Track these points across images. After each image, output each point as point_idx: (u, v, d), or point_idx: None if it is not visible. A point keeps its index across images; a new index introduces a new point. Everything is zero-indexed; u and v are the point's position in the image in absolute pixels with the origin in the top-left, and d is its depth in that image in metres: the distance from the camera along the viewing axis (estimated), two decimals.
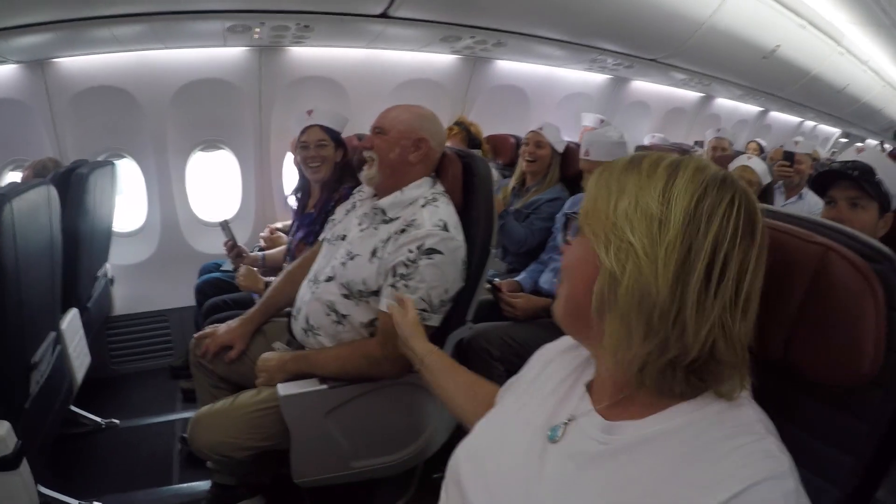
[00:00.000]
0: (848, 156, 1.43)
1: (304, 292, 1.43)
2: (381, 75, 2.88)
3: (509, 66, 3.26)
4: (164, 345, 2.73)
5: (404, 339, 1.06)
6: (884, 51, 3.81)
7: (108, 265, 2.44)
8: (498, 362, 1.67)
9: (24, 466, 1.26)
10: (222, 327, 1.53)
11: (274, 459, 1.38)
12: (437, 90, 3.08)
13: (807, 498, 0.48)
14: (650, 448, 0.52)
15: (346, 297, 1.32)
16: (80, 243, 1.85)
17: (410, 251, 1.23)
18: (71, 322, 1.79)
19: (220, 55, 2.48)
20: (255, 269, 1.94)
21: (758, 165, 2.28)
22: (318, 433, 1.32)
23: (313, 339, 1.37)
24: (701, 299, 0.49)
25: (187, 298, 2.41)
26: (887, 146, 6.78)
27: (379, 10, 2.10)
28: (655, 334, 0.50)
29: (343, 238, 1.41)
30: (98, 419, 2.14)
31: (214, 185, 2.92)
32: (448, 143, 1.69)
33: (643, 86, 4.04)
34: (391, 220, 1.32)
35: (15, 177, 2.43)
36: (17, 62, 2.19)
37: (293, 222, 2.08)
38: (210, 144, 2.77)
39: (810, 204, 2.57)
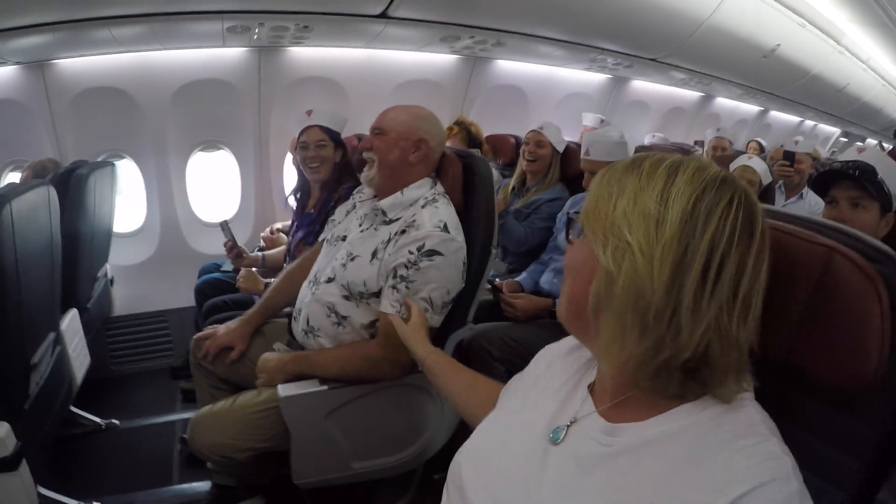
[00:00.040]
0: (849, 156, 1.42)
1: (305, 293, 1.43)
2: (380, 76, 2.87)
3: (509, 66, 3.26)
4: (163, 345, 2.72)
5: (405, 343, 1.08)
6: (884, 49, 3.81)
7: (107, 266, 2.43)
8: (498, 363, 1.67)
9: (24, 467, 1.26)
10: (221, 328, 1.53)
11: (274, 460, 1.38)
12: (436, 90, 3.08)
13: (810, 500, 0.47)
14: (652, 450, 0.52)
15: (346, 298, 1.32)
16: (80, 244, 1.85)
17: (411, 252, 1.23)
18: (71, 323, 1.79)
19: (220, 56, 2.48)
20: (254, 270, 1.93)
21: (758, 165, 2.28)
22: (319, 434, 1.32)
23: (313, 341, 1.37)
24: (697, 300, 0.49)
25: (187, 299, 2.41)
26: (886, 146, 6.78)
27: (378, 11, 2.10)
28: (650, 334, 0.50)
29: (343, 239, 1.41)
30: (98, 420, 2.14)
31: (214, 186, 2.92)
32: (448, 143, 1.69)
33: (643, 85, 4.03)
34: (391, 221, 1.32)
35: (14, 178, 2.43)
36: (17, 63, 2.18)
37: (292, 223, 2.08)
38: (210, 145, 2.76)
39: (811, 204, 2.57)
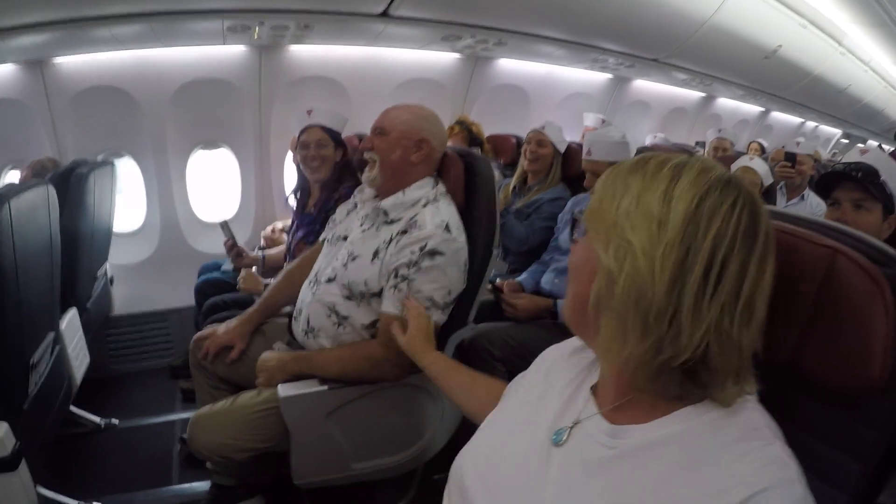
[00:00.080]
0: (852, 157, 1.42)
1: (305, 294, 1.42)
2: (381, 75, 2.87)
3: (510, 66, 3.25)
4: (163, 345, 2.72)
5: (406, 353, 1.10)
6: (885, 51, 3.81)
7: (107, 265, 2.43)
8: (499, 363, 1.66)
9: (23, 467, 1.26)
10: (221, 328, 1.52)
11: (274, 460, 1.38)
12: (437, 90, 3.07)
13: None
14: (656, 453, 0.51)
15: (347, 298, 1.32)
16: (80, 243, 1.84)
17: (412, 252, 1.22)
18: (70, 322, 1.79)
19: (220, 54, 2.47)
20: (255, 271, 1.93)
21: (760, 166, 2.28)
22: (319, 434, 1.31)
23: (314, 341, 1.36)
24: (698, 301, 0.49)
25: (187, 298, 2.41)
26: (886, 147, 6.78)
27: (379, 10, 2.09)
28: (651, 334, 0.50)
29: (344, 238, 1.41)
30: (97, 419, 2.13)
31: (214, 185, 2.91)
32: (449, 143, 1.69)
33: (644, 85, 4.03)
34: (393, 221, 1.31)
35: (14, 177, 2.43)
36: (16, 62, 2.18)
37: (292, 222, 2.08)
38: (210, 144, 2.76)
39: (812, 205, 2.57)
